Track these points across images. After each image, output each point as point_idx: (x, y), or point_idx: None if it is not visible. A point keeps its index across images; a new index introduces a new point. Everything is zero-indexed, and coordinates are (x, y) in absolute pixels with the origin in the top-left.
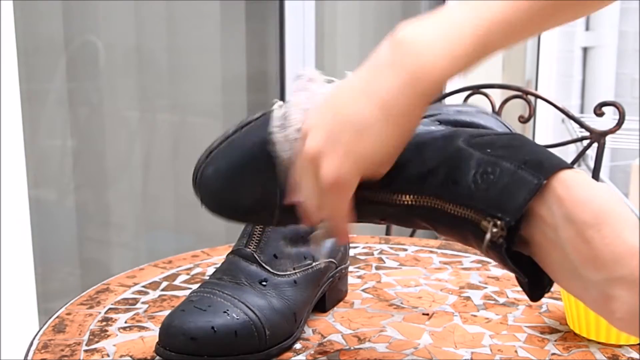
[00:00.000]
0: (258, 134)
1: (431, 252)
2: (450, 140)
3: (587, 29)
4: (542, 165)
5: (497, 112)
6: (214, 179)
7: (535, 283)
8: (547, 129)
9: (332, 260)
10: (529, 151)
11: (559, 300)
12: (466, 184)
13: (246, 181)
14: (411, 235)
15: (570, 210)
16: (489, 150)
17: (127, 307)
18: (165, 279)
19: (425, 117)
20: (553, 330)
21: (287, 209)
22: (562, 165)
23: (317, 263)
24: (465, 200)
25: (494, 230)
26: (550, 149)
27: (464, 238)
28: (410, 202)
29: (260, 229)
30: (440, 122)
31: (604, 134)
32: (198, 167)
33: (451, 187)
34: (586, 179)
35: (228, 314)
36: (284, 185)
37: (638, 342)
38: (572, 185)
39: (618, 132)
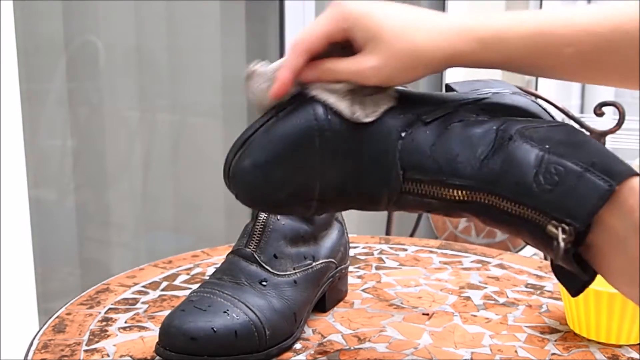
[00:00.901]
0: (300, 122)
1: (431, 252)
2: (502, 131)
3: None
4: (612, 170)
5: None
6: (252, 172)
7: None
8: None
9: (332, 260)
10: (593, 151)
11: (559, 300)
12: (527, 183)
13: (287, 174)
14: (411, 235)
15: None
16: (547, 146)
17: (127, 307)
18: (165, 279)
19: (466, 104)
20: (553, 330)
21: (325, 201)
22: (632, 172)
23: (317, 263)
24: (526, 200)
25: (563, 236)
26: None
27: (517, 233)
28: (462, 198)
29: (261, 229)
30: (484, 109)
31: (604, 134)
32: (231, 158)
33: (509, 184)
34: None
35: (228, 314)
36: (326, 176)
37: (638, 342)
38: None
39: (618, 132)
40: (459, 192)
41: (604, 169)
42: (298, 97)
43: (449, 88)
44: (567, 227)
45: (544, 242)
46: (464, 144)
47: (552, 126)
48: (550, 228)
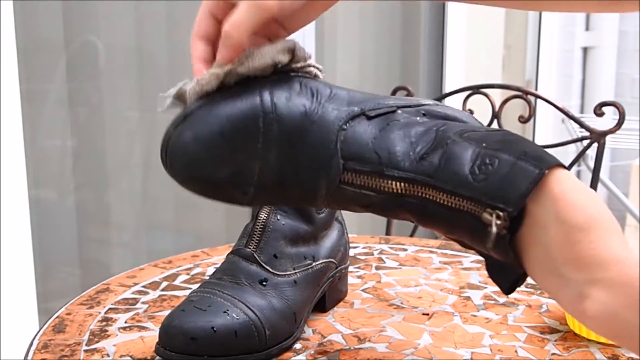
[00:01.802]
0: (246, 102)
1: (431, 252)
2: (442, 132)
3: (587, 29)
4: (543, 158)
5: (497, 112)
6: (192, 145)
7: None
8: (547, 129)
9: (332, 260)
10: (526, 145)
11: None
12: (463, 174)
13: (228, 152)
14: (411, 235)
15: (563, 211)
16: (484, 144)
17: (127, 307)
18: (165, 279)
19: (407, 107)
20: (553, 330)
21: (263, 188)
22: (561, 164)
23: (317, 263)
24: (462, 191)
25: (498, 222)
26: (550, 149)
27: (454, 229)
28: (399, 191)
29: (261, 229)
30: (425, 114)
31: (604, 134)
32: (171, 130)
33: (447, 176)
34: (580, 183)
35: (228, 314)
36: (267, 160)
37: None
38: (568, 187)
39: (618, 132)
40: (398, 184)
41: (535, 156)
42: (244, 82)
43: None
44: (501, 213)
45: (480, 233)
46: (405, 140)
47: (490, 131)
48: (486, 215)
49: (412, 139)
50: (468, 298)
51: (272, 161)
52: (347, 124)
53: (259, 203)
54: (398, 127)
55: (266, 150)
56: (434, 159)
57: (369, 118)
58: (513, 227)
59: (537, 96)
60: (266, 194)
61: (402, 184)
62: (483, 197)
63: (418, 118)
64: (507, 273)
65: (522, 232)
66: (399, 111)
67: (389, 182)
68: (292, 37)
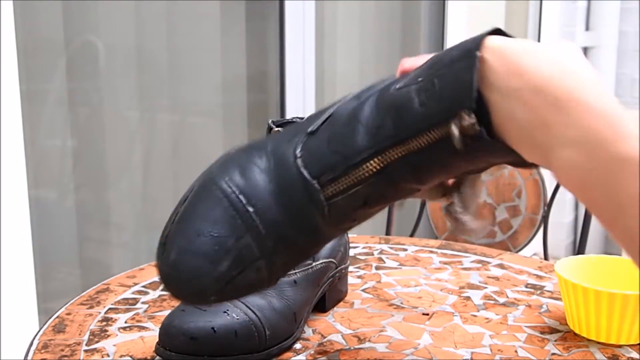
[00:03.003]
0: (207, 200)
1: (431, 252)
2: (381, 97)
3: (587, 29)
4: (469, 47)
5: None
6: (183, 259)
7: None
8: None
9: (332, 260)
10: (452, 50)
11: (559, 300)
12: (416, 113)
13: (214, 240)
14: (411, 235)
15: (514, 82)
16: (419, 79)
17: (127, 307)
18: None
19: (341, 103)
20: (553, 330)
21: (270, 253)
22: (489, 32)
23: (317, 263)
24: (423, 125)
25: (464, 123)
26: None
27: (450, 167)
28: (377, 167)
29: None
30: (359, 96)
31: None
32: (159, 263)
33: (405, 125)
34: (521, 43)
35: (228, 314)
36: (254, 228)
37: (638, 342)
38: (509, 53)
39: None
40: (372, 162)
41: (464, 51)
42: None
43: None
44: (463, 115)
45: (465, 149)
46: (353, 125)
47: (418, 68)
48: (452, 129)
49: (359, 119)
50: (468, 298)
51: (259, 226)
52: (300, 151)
53: (281, 271)
54: (342, 122)
55: (248, 222)
56: (387, 122)
57: (313, 133)
58: (484, 121)
59: None
60: (279, 257)
61: (376, 160)
62: (443, 115)
63: (355, 103)
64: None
65: (494, 121)
66: (336, 110)
67: (364, 166)
68: (291, 36)
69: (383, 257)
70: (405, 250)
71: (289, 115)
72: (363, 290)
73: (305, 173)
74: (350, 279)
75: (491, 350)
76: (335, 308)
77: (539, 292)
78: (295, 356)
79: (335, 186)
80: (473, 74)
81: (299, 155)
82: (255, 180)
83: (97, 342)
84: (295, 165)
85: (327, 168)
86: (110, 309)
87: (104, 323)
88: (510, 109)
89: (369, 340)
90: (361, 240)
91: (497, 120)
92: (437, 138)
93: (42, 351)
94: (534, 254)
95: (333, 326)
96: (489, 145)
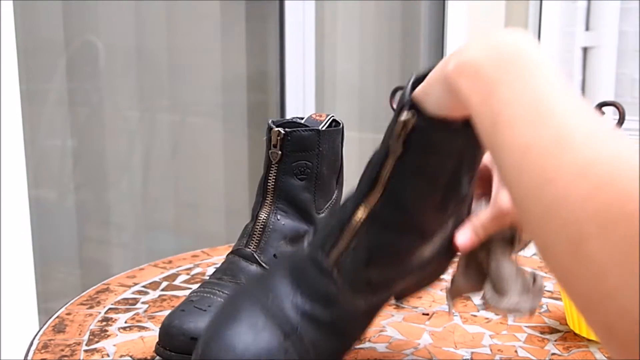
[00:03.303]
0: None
1: None
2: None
3: (587, 29)
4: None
5: None
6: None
7: None
8: None
9: None
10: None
11: (559, 300)
12: (375, 155)
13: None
14: None
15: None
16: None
17: (127, 307)
18: (165, 279)
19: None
20: (553, 330)
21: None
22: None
23: None
24: (381, 153)
25: (402, 119)
26: None
27: (432, 177)
28: (364, 216)
29: (260, 229)
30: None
31: None
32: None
33: (371, 166)
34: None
35: None
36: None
37: None
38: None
39: None
40: (359, 212)
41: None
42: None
43: None
44: (403, 113)
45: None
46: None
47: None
48: (397, 130)
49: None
50: (468, 298)
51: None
52: (308, 246)
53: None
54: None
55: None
56: (365, 173)
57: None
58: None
59: None
60: (308, 337)
61: (362, 209)
62: (388, 131)
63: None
64: None
65: (430, 110)
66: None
67: (356, 214)
68: (291, 36)
69: None
70: None
71: (289, 115)
72: None
73: (319, 260)
74: None
75: (491, 350)
76: None
77: None
78: None
79: (336, 248)
80: (408, 83)
81: (309, 251)
82: (284, 313)
83: (97, 342)
84: (306, 255)
85: (325, 240)
86: (110, 309)
87: (104, 323)
88: (439, 95)
89: (369, 340)
90: None
91: (431, 108)
92: (389, 150)
93: (42, 351)
94: (534, 254)
95: None
96: (429, 125)
